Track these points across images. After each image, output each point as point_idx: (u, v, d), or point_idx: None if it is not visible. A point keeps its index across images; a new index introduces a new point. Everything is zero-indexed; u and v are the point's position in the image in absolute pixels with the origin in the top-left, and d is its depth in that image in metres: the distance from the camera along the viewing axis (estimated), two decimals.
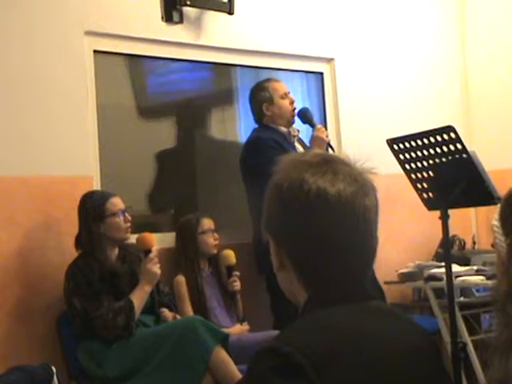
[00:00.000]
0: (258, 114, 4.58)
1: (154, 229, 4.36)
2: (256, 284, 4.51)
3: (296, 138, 4.56)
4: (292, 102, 4.56)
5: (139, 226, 4.16)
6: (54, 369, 3.49)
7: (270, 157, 4.26)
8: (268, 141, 4.36)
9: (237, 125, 5.18)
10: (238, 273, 4.28)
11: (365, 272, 1.43)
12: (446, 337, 4.13)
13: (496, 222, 1.56)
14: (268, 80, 4.65)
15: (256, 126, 4.61)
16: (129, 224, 3.86)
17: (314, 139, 4.44)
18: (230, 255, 4.27)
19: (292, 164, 1.42)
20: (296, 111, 4.57)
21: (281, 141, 4.40)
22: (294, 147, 4.48)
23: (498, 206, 1.63)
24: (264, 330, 4.14)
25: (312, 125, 4.54)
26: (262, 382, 1.26)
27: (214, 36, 4.71)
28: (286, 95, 4.56)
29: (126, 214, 3.86)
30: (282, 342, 1.28)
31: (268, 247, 1.46)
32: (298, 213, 1.37)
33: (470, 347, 4.24)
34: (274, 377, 1.24)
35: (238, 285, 4.25)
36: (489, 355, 1.40)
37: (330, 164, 1.40)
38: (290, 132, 4.54)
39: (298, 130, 4.61)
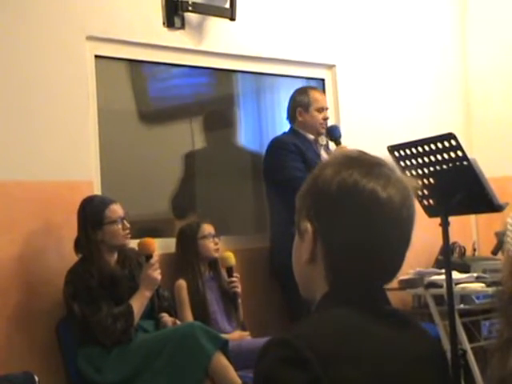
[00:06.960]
0: (291, 115, 4.68)
1: (154, 234, 4.35)
2: (256, 289, 4.50)
3: (323, 147, 4.62)
4: (325, 119, 4.63)
5: (139, 232, 4.16)
6: (36, 378, 3.38)
7: (286, 160, 4.36)
8: (288, 145, 4.48)
9: (237, 131, 5.18)
10: (237, 274, 4.28)
11: (390, 279, 1.44)
12: (446, 344, 4.11)
13: (510, 220, 1.54)
14: (312, 87, 4.79)
15: (288, 127, 4.72)
16: (127, 231, 3.84)
17: None
18: (230, 256, 4.28)
19: (342, 160, 1.41)
20: (326, 126, 4.64)
21: (304, 148, 4.48)
22: (319, 155, 4.53)
23: (500, 212, 1.62)
24: (264, 335, 4.13)
25: (337, 143, 4.56)
26: (270, 372, 1.28)
27: (216, 42, 4.71)
28: (322, 109, 4.63)
29: (125, 222, 3.84)
30: (292, 335, 1.30)
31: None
32: (349, 207, 1.38)
33: (470, 354, 4.23)
34: (281, 368, 1.27)
35: (238, 286, 4.26)
36: (489, 356, 1.40)
37: (382, 167, 1.41)
38: (317, 140, 4.62)
39: (327, 140, 4.67)
